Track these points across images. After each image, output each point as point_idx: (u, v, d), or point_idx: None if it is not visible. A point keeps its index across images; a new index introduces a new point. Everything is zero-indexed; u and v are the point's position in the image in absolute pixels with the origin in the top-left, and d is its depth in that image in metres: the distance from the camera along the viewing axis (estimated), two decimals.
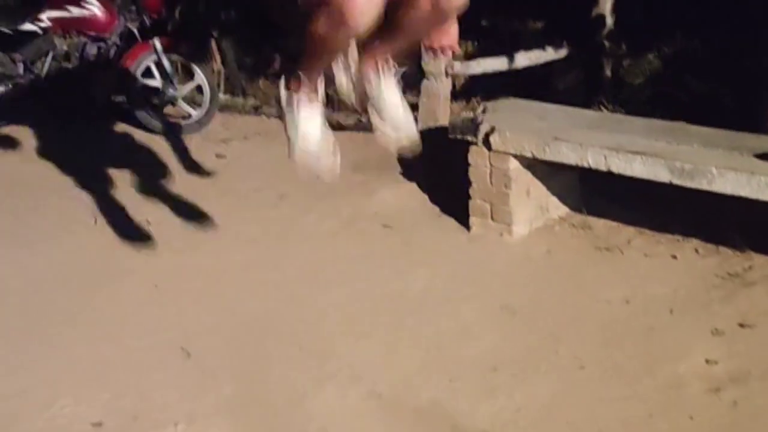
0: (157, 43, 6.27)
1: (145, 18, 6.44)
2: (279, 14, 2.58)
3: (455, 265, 4.26)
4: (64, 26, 6.37)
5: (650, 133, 4.17)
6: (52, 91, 6.39)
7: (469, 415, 3.13)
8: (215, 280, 4.14)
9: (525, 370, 3.37)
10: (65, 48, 6.41)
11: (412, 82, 5.30)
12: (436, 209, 4.77)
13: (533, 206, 4.49)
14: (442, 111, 5.66)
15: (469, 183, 4.49)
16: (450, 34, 2.75)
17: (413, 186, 5.00)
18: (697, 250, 4.15)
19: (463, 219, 4.58)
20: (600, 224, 4.47)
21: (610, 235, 4.37)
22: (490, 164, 4.40)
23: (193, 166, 5.60)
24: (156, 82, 6.38)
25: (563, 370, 3.36)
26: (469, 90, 6.55)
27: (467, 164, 4.47)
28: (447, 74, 5.69)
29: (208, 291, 4.03)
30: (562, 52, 6.26)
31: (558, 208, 4.59)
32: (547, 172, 4.43)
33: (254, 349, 3.51)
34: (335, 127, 3.44)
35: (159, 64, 6.33)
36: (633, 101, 6.10)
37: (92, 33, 6.41)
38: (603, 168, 4.05)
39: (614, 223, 4.45)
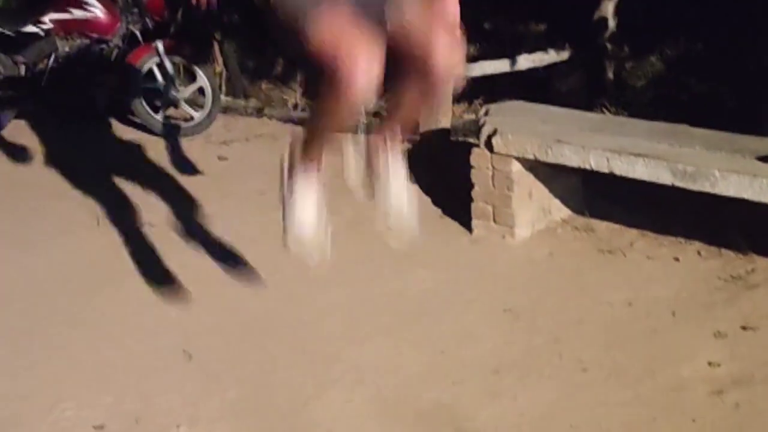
0: (160, 45, 6.27)
1: (147, 20, 6.44)
2: (288, 49, 2.59)
3: (457, 268, 4.25)
4: (66, 28, 6.38)
5: (652, 135, 4.17)
6: (54, 93, 6.39)
7: (472, 418, 3.13)
8: (217, 281, 4.14)
9: (528, 373, 3.37)
10: (67, 50, 6.41)
11: None
12: (438, 211, 4.77)
13: (535, 208, 4.49)
14: (444, 113, 5.66)
15: (471, 185, 4.49)
16: (454, 60, 2.71)
17: (415, 188, 4.99)
18: (699, 253, 4.15)
19: (465, 221, 4.58)
20: (602, 227, 4.47)
21: (612, 238, 4.37)
22: (493, 166, 4.40)
23: (194, 168, 5.60)
24: (158, 84, 6.39)
25: (566, 372, 3.36)
26: (471, 92, 6.55)
27: (469, 166, 4.47)
28: None
29: (210, 292, 4.03)
30: (565, 55, 6.26)
31: (560, 211, 4.59)
32: (549, 174, 4.43)
33: (257, 352, 3.51)
34: None
35: (161, 66, 6.33)
36: (635, 103, 6.11)
37: (94, 35, 6.41)
38: (605, 170, 4.04)
39: (617, 226, 4.45)
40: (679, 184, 3.84)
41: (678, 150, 3.98)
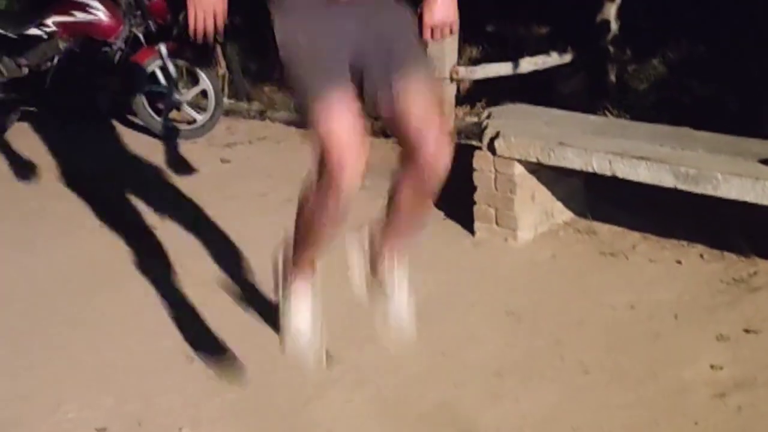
0: (163, 48, 6.29)
1: (150, 23, 6.45)
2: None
3: (459, 270, 4.25)
4: (69, 31, 6.39)
5: (655, 138, 4.17)
6: (57, 96, 6.40)
7: (474, 421, 3.12)
8: (219, 283, 4.14)
9: (529, 375, 3.36)
10: (70, 53, 6.42)
11: None
12: (440, 214, 4.77)
13: (538, 211, 4.49)
14: (447, 116, 5.66)
15: (473, 188, 4.49)
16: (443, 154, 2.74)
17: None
18: (702, 256, 4.14)
19: (467, 224, 4.58)
20: (605, 229, 4.47)
21: (614, 241, 4.37)
22: (495, 169, 4.40)
23: (197, 171, 5.61)
24: (161, 86, 6.40)
25: (568, 375, 3.36)
26: (474, 95, 6.56)
27: (472, 169, 4.47)
28: (451, 79, 5.70)
29: (212, 295, 4.03)
30: (567, 58, 6.26)
31: (563, 213, 4.59)
32: (551, 177, 4.43)
33: (258, 354, 3.51)
34: None
35: (164, 69, 6.35)
36: (638, 106, 6.11)
37: (97, 38, 6.42)
38: (608, 173, 4.04)
39: (619, 229, 4.45)
40: (682, 186, 3.84)
41: (680, 153, 3.97)
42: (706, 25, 6.52)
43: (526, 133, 4.36)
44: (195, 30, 2.49)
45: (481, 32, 7.53)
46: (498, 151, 4.35)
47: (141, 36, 6.47)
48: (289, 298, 2.84)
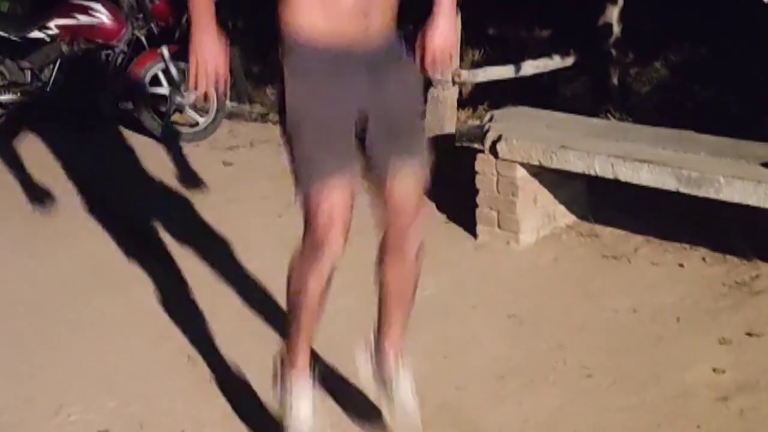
0: (165, 50, 6.29)
1: (152, 25, 6.47)
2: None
3: (462, 273, 4.25)
4: (71, 34, 6.40)
5: (657, 141, 4.17)
6: (60, 99, 6.41)
7: (476, 424, 3.12)
8: (221, 286, 4.14)
9: (532, 379, 3.36)
10: (73, 55, 6.43)
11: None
12: (443, 217, 4.77)
13: (540, 214, 4.49)
14: (449, 119, 5.67)
15: (475, 191, 4.49)
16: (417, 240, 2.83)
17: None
18: (704, 259, 4.14)
19: (469, 227, 4.58)
20: (607, 232, 4.47)
21: (617, 244, 4.37)
22: (497, 172, 4.40)
23: (200, 174, 5.61)
24: (163, 89, 6.41)
25: (570, 378, 3.36)
26: (476, 98, 6.57)
27: (474, 172, 4.47)
28: (454, 82, 5.70)
29: (214, 297, 4.03)
30: (569, 60, 6.27)
31: (565, 217, 4.59)
32: (554, 180, 4.43)
33: (260, 356, 3.51)
34: None
35: (166, 72, 6.35)
36: (640, 109, 6.11)
37: (100, 40, 6.43)
38: (610, 176, 4.04)
39: (621, 232, 4.45)
40: (684, 190, 3.84)
41: (683, 156, 3.97)
42: (708, 27, 6.53)
43: (528, 136, 4.36)
44: (196, 82, 2.51)
45: (483, 35, 7.54)
46: (500, 154, 4.35)
47: (143, 39, 6.48)
48: (289, 389, 2.86)
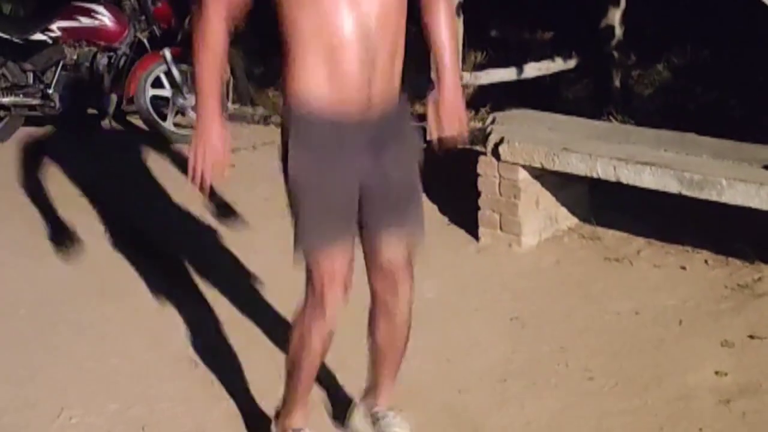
0: (167, 52, 6.29)
1: (155, 28, 6.47)
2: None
3: (464, 276, 4.25)
4: (74, 36, 6.40)
5: (659, 143, 4.17)
6: (62, 101, 6.41)
7: (479, 427, 3.12)
8: (223, 288, 4.14)
9: (534, 382, 3.36)
10: (75, 58, 6.43)
11: (421, 92, 5.30)
12: (445, 219, 4.77)
13: (542, 217, 4.49)
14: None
15: (478, 193, 4.49)
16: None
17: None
18: (706, 261, 4.14)
19: (471, 229, 4.58)
20: (609, 235, 4.47)
21: (619, 246, 4.37)
22: (499, 174, 4.40)
23: None
24: (166, 91, 6.41)
25: (572, 381, 3.35)
26: (478, 100, 6.56)
27: (476, 174, 4.47)
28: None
29: (216, 300, 4.03)
30: (572, 63, 6.27)
31: (567, 219, 4.59)
32: (556, 182, 4.43)
33: (262, 360, 3.51)
34: None
35: (169, 74, 6.35)
36: (642, 112, 6.11)
37: (102, 43, 6.44)
38: (612, 178, 4.04)
39: (623, 234, 4.44)
40: (686, 192, 3.84)
41: (685, 158, 3.97)
42: (710, 30, 6.53)
43: (530, 138, 4.36)
44: (194, 171, 2.51)
45: (485, 37, 7.54)
46: (502, 157, 4.35)
47: (146, 41, 6.48)
48: None
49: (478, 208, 4.51)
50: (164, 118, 6.41)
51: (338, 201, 2.57)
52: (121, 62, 6.45)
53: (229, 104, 6.85)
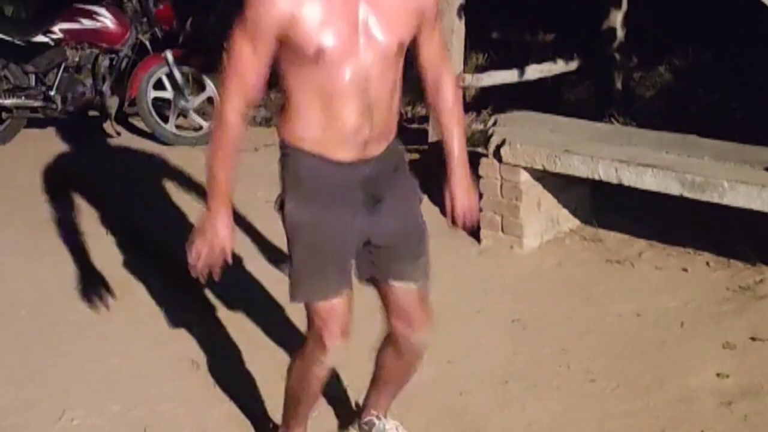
0: (169, 54, 6.29)
1: (156, 30, 6.46)
2: None
3: (465, 278, 4.25)
4: (76, 38, 6.40)
5: (661, 145, 4.17)
6: (64, 103, 6.41)
7: (480, 428, 3.12)
8: (224, 290, 4.14)
9: (536, 383, 3.36)
10: (77, 60, 6.43)
11: (422, 94, 5.30)
12: (446, 221, 4.76)
13: (544, 219, 4.49)
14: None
15: (479, 195, 4.48)
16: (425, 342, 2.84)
17: (423, 198, 4.99)
18: (708, 263, 4.14)
19: (473, 231, 4.57)
20: (611, 237, 4.47)
21: (621, 248, 4.37)
22: (501, 176, 4.40)
23: (203, 178, 5.59)
24: (167, 93, 6.41)
25: (574, 383, 3.35)
26: (480, 102, 6.56)
27: (478, 176, 4.47)
28: (457, 86, 5.69)
29: (218, 302, 4.03)
30: (573, 65, 6.26)
31: (569, 221, 4.59)
32: (557, 184, 4.43)
33: (263, 361, 3.51)
34: None
35: (170, 76, 6.35)
36: (644, 114, 6.11)
37: (104, 45, 6.43)
38: (614, 180, 4.04)
39: (625, 236, 4.44)
40: (688, 194, 3.84)
41: (686, 160, 3.97)
42: (711, 32, 6.53)
43: (532, 140, 4.36)
44: (196, 262, 2.57)
45: (487, 39, 7.54)
46: (504, 159, 4.35)
47: (147, 43, 6.48)
48: None
49: (480, 210, 4.50)
50: (166, 119, 6.41)
51: (333, 257, 2.58)
52: (123, 64, 6.45)
53: None
